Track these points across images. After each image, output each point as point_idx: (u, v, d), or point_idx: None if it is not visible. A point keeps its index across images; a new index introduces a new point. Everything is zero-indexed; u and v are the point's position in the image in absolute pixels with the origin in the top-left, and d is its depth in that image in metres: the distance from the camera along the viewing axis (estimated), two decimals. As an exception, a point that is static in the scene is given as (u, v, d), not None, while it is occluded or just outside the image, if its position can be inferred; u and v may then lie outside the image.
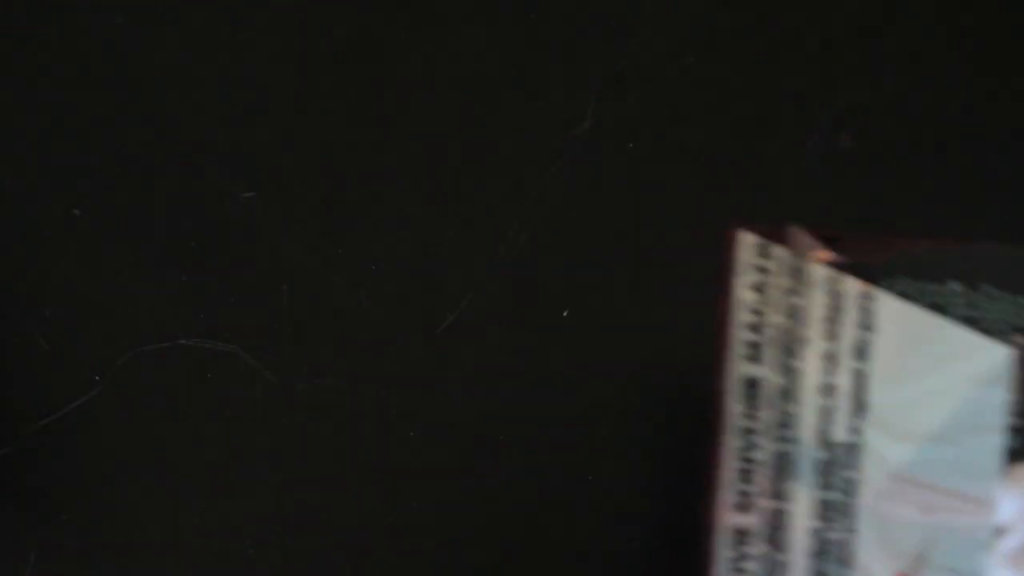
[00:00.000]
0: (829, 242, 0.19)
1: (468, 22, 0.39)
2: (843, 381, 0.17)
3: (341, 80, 0.38)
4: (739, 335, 0.18)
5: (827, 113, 0.38)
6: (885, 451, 0.17)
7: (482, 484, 0.36)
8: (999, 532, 0.17)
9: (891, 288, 0.17)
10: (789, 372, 0.18)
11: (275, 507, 0.35)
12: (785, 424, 0.17)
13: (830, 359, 0.17)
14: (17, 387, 0.35)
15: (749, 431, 0.17)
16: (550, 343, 0.36)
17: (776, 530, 0.17)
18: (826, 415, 0.17)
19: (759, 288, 0.18)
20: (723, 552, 0.17)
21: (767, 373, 0.18)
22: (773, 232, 0.19)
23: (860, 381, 0.17)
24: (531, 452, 0.36)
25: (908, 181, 0.37)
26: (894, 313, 0.17)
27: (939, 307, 0.18)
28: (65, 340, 0.36)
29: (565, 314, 0.36)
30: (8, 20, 0.38)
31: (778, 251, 0.18)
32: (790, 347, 0.17)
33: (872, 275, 0.18)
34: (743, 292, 0.18)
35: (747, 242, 0.18)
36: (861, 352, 0.17)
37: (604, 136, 0.38)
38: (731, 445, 0.17)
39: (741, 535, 0.17)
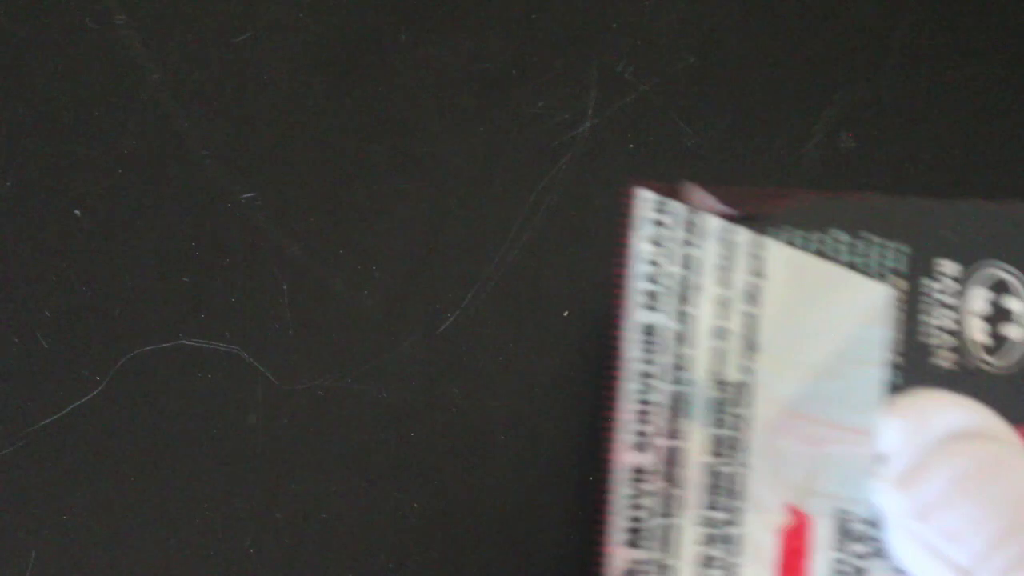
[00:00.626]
0: (722, 196, 0.20)
1: (468, 22, 0.39)
2: (735, 324, 0.19)
3: (341, 80, 0.38)
4: (637, 285, 0.19)
5: (827, 113, 0.38)
6: (774, 388, 0.19)
7: (482, 484, 0.36)
8: (879, 459, 0.19)
9: (779, 237, 0.19)
10: (684, 318, 0.19)
11: (275, 507, 0.35)
12: (680, 367, 0.18)
13: (723, 304, 0.19)
14: (17, 387, 0.35)
15: (646, 375, 0.18)
16: (550, 343, 0.36)
17: (672, 467, 0.18)
18: (719, 357, 0.19)
19: (656, 241, 0.19)
20: (622, 490, 0.18)
21: (663, 320, 0.19)
22: (670, 188, 0.20)
23: (751, 324, 0.19)
24: (531, 452, 0.36)
25: (908, 181, 0.38)
26: (782, 259, 0.18)
27: (823, 254, 0.19)
28: (65, 340, 0.36)
29: (566, 314, 0.36)
30: (8, 20, 0.38)
31: (674, 206, 0.19)
32: (685, 295, 0.19)
33: (762, 225, 0.19)
34: (641, 244, 0.19)
35: (645, 198, 0.19)
36: (752, 297, 0.19)
37: (604, 136, 0.38)
38: (628, 389, 0.18)
39: (639, 473, 0.19)
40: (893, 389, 0.19)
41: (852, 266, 0.19)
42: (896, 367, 0.19)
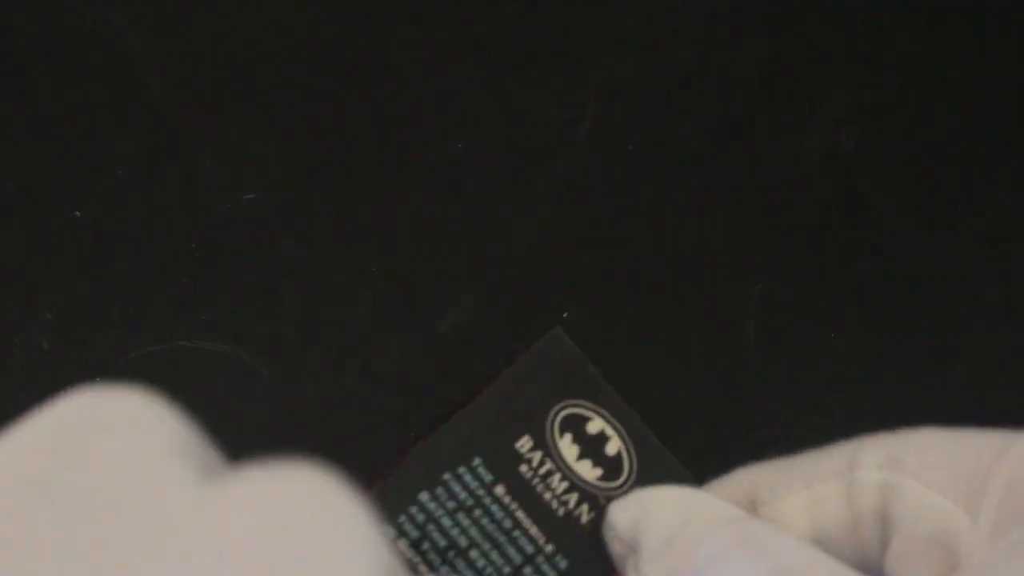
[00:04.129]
0: None
1: (468, 23, 0.39)
2: None
3: (341, 80, 0.38)
4: None
5: (827, 113, 0.38)
6: None
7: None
8: (625, 553, 0.19)
9: (411, 521, 0.19)
10: None
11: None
12: None
13: None
14: (17, 387, 0.35)
15: None
16: (550, 343, 0.36)
17: None
18: None
19: None
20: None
21: None
22: None
23: None
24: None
25: (908, 181, 0.38)
26: None
27: (429, 519, 0.19)
28: (65, 340, 0.36)
29: (565, 315, 0.36)
30: (8, 20, 0.38)
31: None
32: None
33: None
34: None
35: None
36: None
37: (604, 136, 0.38)
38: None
39: None
40: (565, 573, 0.19)
41: (454, 511, 0.19)
42: (554, 553, 0.19)
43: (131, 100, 0.37)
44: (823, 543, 0.20)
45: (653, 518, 0.19)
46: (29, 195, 0.37)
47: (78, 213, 0.37)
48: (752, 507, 0.20)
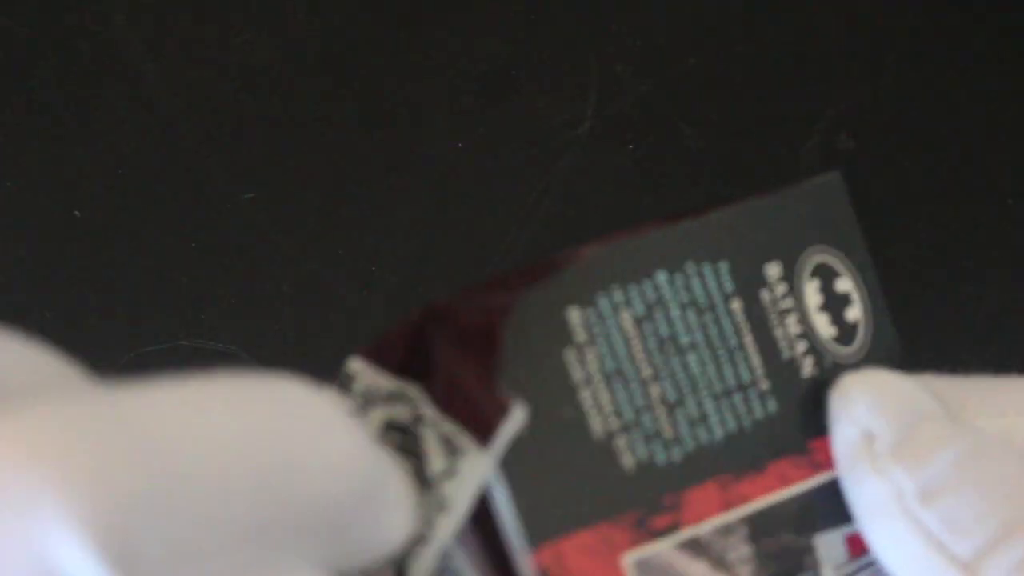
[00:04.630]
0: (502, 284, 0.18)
1: (468, 22, 0.39)
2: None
3: (341, 81, 0.38)
4: None
5: (827, 113, 0.38)
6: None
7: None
8: (863, 438, 0.18)
9: (609, 298, 0.17)
10: None
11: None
12: None
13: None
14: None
15: None
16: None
17: None
18: None
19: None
20: None
21: None
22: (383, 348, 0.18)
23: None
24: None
25: (908, 181, 0.38)
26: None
27: (659, 302, 0.18)
28: (65, 340, 0.36)
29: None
30: (9, 21, 0.38)
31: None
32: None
33: (581, 291, 0.17)
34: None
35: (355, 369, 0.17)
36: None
37: (604, 136, 0.38)
38: None
39: None
40: (772, 416, 0.18)
41: (684, 306, 0.18)
42: (767, 392, 0.18)
43: (131, 100, 0.37)
44: None
45: (894, 407, 0.18)
46: (29, 195, 0.37)
47: (78, 213, 0.37)
48: (962, 409, 0.19)
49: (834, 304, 0.19)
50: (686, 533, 0.18)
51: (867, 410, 0.18)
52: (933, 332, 0.36)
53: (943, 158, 0.38)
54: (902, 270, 0.37)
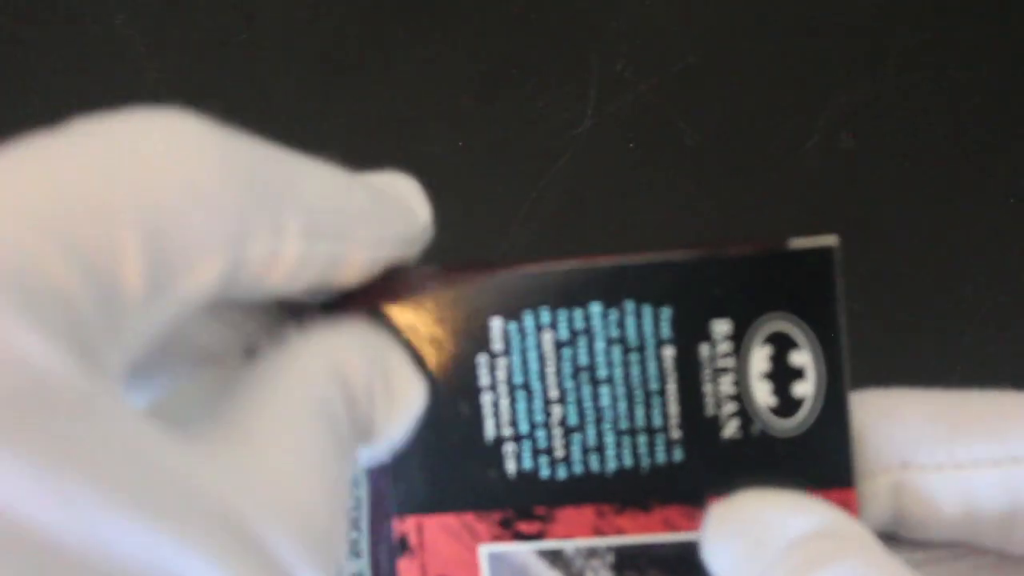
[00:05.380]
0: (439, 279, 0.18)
1: (468, 22, 0.39)
2: None
3: (341, 80, 0.38)
4: None
5: (827, 113, 0.38)
6: None
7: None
8: None
9: (535, 320, 0.17)
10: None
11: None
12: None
13: None
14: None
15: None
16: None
17: None
18: None
19: None
20: None
21: None
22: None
23: None
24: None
25: (908, 181, 0.38)
26: None
27: (577, 333, 0.17)
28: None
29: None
30: (10, 20, 0.38)
31: None
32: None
33: (512, 310, 0.18)
34: None
35: None
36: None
37: (604, 136, 0.38)
38: None
39: None
40: (674, 465, 0.18)
41: (611, 341, 0.17)
42: (676, 442, 0.18)
43: (131, 100, 0.37)
44: (972, 527, 0.19)
45: (783, 523, 0.18)
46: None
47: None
48: (904, 467, 0.19)
49: (782, 375, 0.18)
50: (549, 544, 0.18)
51: (727, 556, 0.17)
52: (933, 331, 0.36)
53: (943, 158, 0.38)
54: (902, 270, 0.37)
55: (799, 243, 0.18)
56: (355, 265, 0.18)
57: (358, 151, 0.37)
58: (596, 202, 0.37)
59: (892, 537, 0.19)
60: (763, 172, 0.37)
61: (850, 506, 0.18)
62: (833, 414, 0.18)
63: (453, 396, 0.18)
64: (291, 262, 0.17)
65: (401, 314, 0.18)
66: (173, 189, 0.15)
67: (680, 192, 0.37)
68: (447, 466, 0.18)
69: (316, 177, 0.18)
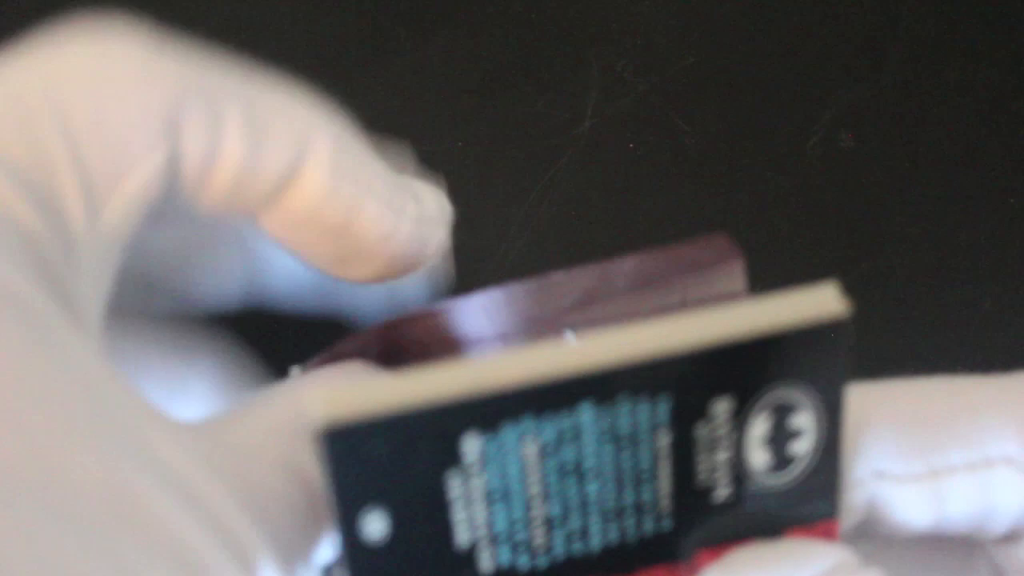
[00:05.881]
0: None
1: (468, 22, 0.39)
2: None
3: (341, 80, 0.38)
4: None
5: (827, 113, 0.38)
6: None
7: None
8: None
9: (516, 429, 0.16)
10: None
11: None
12: None
13: None
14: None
15: None
16: (550, 343, 0.36)
17: None
18: None
19: None
20: None
21: None
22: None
23: None
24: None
25: (908, 181, 0.38)
26: None
27: (575, 433, 0.16)
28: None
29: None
30: (9, 20, 0.38)
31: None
32: None
33: (496, 419, 0.16)
34: None
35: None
36: None
37: (604, 136, 0.38)
38: None
39: None
40: (663, 534, 0.17)
41: (602, 438, 0.16)
42: (665, 514, 0.17)
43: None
44: (941, 530, 0.19)
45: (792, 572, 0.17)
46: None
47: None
48: (878, 477, 0.19)
49: (780, 438, 0.17)
50: None
51: None
52: (932, 331, 0.36)
53: (943, 157, 0.38)
54: (902, 270, 0.37)
55: (808, 312, 0.17)
56: (355, 213, 0.16)
57: (358, 151, 0.37)
58: (596, 202, 0.37)
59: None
60: (763, 172, 0.37)
61: (833, 534, 0.18)
62: (827, 461, 0.18)
63: (421, 514, 0.16)
64: (235, 164, 0.16)
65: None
66: (89, 96, 0.15)
67: (680, 192, 0.37)
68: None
69: (270, 88, 0.17)
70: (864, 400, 0.19)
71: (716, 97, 0.38)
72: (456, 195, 0.39)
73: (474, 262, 0.37)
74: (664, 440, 0.17)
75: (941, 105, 0.38)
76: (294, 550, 0.14)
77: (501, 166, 0.37)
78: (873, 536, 0.19)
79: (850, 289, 0.38)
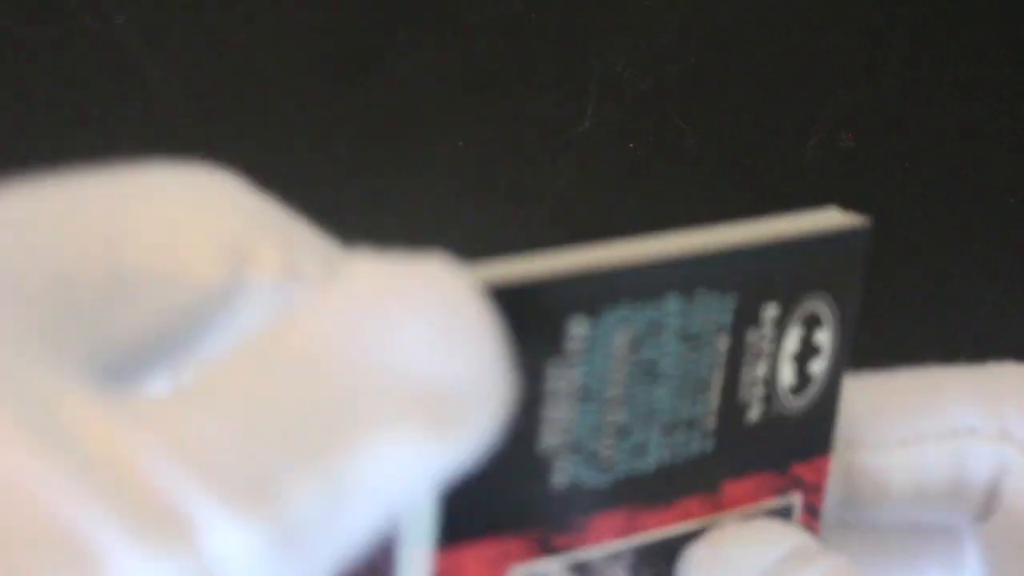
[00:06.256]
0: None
1: (468, 22, 0.39)
2: None
3: (341, 81, 0.38)
4: None
5: (827, 113, 0.38)
6: None
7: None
8: None
9: (615, 313, 0.16)
10: None
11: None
12: None
13: None
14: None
15: None
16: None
17: None
18: None
19: None
20: None
21: None
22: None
23: None
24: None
25: (908, 181, 0.38)
26: None
27: (660, 326, 0.17)
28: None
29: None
30: (8, 20, 0.38)
31: None
32: None
33: (592, 304, 0.16)
34: None
35: None
36: None
37: (604, 136, 0.38)
38: None
39: None
40: (704, 456, 0.18)
41: (678, 334, 0.17)
42: (709, 432, 0.17)
43: (131, 100, 0.37)
44: (921, 502, 0.19)
45: (754, 557, 0.18)
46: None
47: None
48: (848, 445, 0.19)
49: (806, 354, 0.18)
50: (580, 555, 0.17)
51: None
52: (933, 330, 0.36)
53: (943, 157, 0.38)
54: (902, 270, 0.37)
55: (839, 228, 0.18)
56: None
57: (358, 151, 0.37)
58: (596, 202, 0.37)
59: (841, 523, 0.20)
60: (763, 172, 0.37)
61: (824, 472, 0.19)
62: (833, 389, 0.18)
63: (512, 405, 0.15)
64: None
65: None
66: (151, 206, 0.14)
67: (680, 192, 0.37)
68: (484, 487, 0.15)
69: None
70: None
71: (716, 97, 0.38)
72: (456, 195, 0.39)
73: (474, 261, 0.37)
74: (723, 344, 0.17)
75: (941, 105, 0.38)
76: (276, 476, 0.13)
77: (501, 166, 0.37)
78: (858, 525, 0.19)
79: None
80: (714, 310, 0.17)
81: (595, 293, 0.16)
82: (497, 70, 0.39)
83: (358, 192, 0.37)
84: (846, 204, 0.37)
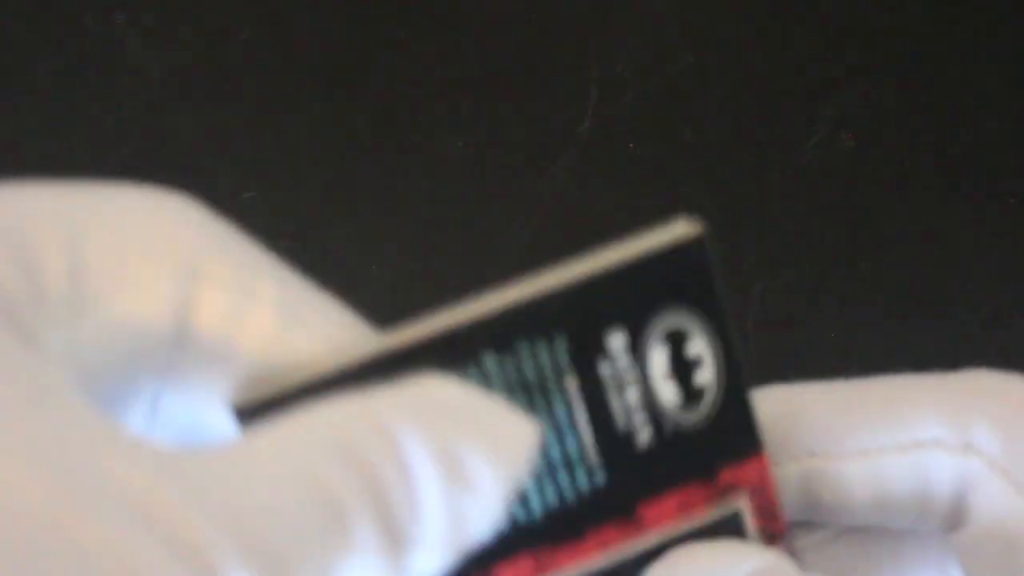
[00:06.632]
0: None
1: (468, 22, 0.39)
2: None
3: (341, 81, 0.38)
4: None
5: (827, 113, 0.38)
6: None
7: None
8: None
9: (480, 368, 0.17)
10: None
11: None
12: None
13: None
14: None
15: None
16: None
17: None
18: None
19: None
20: None
21: None
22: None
23: None
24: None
25: (908, 181, 0.38)
26: None
27: (485, 382, 0.17)
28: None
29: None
30: (8, 20, 0.38)
31: None
32: None
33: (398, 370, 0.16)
34: None
35: None
36: None
37: (604, 136, 0.38)
38: None
39: None
40: (599, 489, 0.17)
41: (511, 388, 0.17)
42: (596, 466, 0.17)
43: (131, 99, 0.37)
44: (882, 511, 0.19)
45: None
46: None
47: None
48: (809, 454, 0.19)
49: (682, 369, 0.18)
50: None
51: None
52: (932, 331, 0.36)
53: (943, 158, 0.38)
54: (902, 270, 0.37)
55: (667, 237, 0.18)
56: None
57: (358, 150, 0.37)
58: (596, 202, 0.37)
59: (807, 523, 0.20)
60: (763, 172, 0.37)
61: (765, 471, 0.19)
62: (736, 391, 0.18)
63: None
64: (265, 329, 0.16)
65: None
66: (110, 219, 0.15)
67: (680, 192, 0.37)
68: None
69: (305, 282, 0.17)
70: (804, 392, 0.19)
71: (716, 97, 0.38)
72: (456, 195, 0.39)
73: (474, 261, 0.37)
74: (572, 384, 0.17)
75: (941, 105, 0.38)
76: (292, 563, 0.14)
77: (501, 166, 0.37)
78: (823, 525, 0.19)
79: (850, 289, 0.38)
80: (543, 355, 0.17)
81: (397, 368, 0.17)
82: (497, 70, 0.39)
83: (358, 191, 0.37)
84: (846, 204, 0.38)
